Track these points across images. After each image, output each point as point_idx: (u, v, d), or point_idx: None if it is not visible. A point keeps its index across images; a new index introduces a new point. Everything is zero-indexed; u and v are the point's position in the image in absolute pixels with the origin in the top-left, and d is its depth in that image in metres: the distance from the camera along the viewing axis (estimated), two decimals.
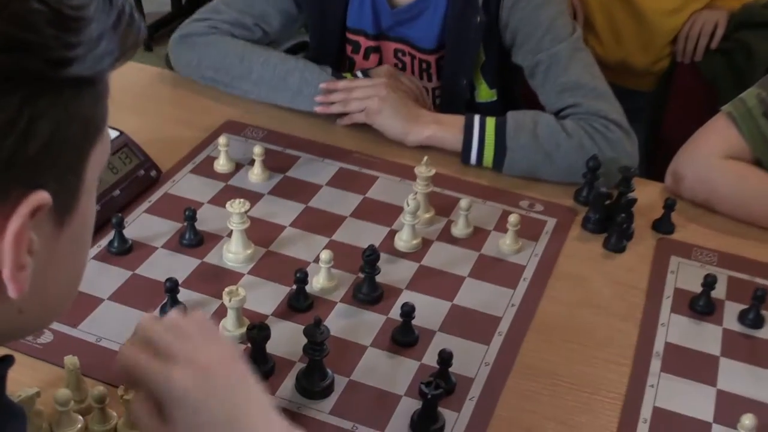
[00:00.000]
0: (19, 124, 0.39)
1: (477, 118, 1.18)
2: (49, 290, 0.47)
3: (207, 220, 1.04)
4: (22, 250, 0.42)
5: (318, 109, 1.24)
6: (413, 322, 0.89)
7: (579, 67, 1.20)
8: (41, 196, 0.41)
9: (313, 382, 0.82)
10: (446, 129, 1.20)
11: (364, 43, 1.33)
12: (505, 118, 1.17)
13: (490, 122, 1.17)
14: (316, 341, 0.81)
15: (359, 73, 1.29)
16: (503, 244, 1.04)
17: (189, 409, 0.59)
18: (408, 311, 0.88)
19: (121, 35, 0.43)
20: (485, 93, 1.34)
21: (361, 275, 0.95)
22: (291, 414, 0.81)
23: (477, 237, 1.06)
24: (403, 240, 1.03)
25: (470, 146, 1.17)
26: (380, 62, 1.34)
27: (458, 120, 1.19)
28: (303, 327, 0.82)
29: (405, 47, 1.32)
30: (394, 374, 0.86)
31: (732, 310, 0.97)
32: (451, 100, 1.30)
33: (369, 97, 1.21)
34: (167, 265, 0.97)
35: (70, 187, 0.44)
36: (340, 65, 1.33)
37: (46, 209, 0.42)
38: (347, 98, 1.23)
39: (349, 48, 1.35)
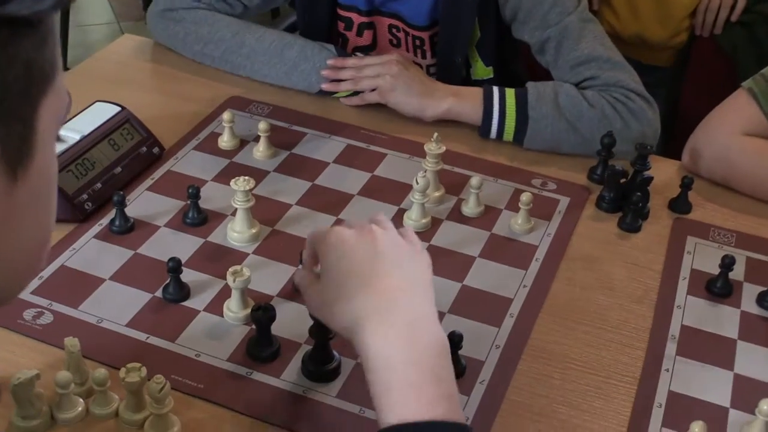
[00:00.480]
0: None
1: (496, 89, 1.15)
2: (9, 249, 0.45)
3: (211, 198, 1.02)
4: None
5: (325, 86, 1.21)
6: None
7: (590, 39, 1.17)
8: None
9: (320, 365, 0.81)
10: (465, 101, 1.17)
11: (357, 19, 1.29)
12: (525, 88, 1.14)
13: (510, 92, 1.14)
14: (323, 323, 0.79)
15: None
16: (515, 224, 1.02)
17: (337, 254, 0.68)
18: None
19: None
20: (481, 70, 1.31)
21: None
22: (296, 397, 0.79)
23: (488, 216, 1.03)
24: (412, 219, 1.01)
25: (491, 117, 1.14)
26: (374, 39, 1.31)
27: (476, 91, 1.16)
28: None
29: (399, 23, 1.28)
30: None
31: (750, 292, 0.95)
32: (447, 77, 1.25)
33: (380, 75, 1.18)
34: (170, 244, 0.95)
35: (20, 135, 0.42)
36: (332, 43, 1.29)
37: None
38: (357, 76, 1.20)
39: (341, 25, 1.31)
